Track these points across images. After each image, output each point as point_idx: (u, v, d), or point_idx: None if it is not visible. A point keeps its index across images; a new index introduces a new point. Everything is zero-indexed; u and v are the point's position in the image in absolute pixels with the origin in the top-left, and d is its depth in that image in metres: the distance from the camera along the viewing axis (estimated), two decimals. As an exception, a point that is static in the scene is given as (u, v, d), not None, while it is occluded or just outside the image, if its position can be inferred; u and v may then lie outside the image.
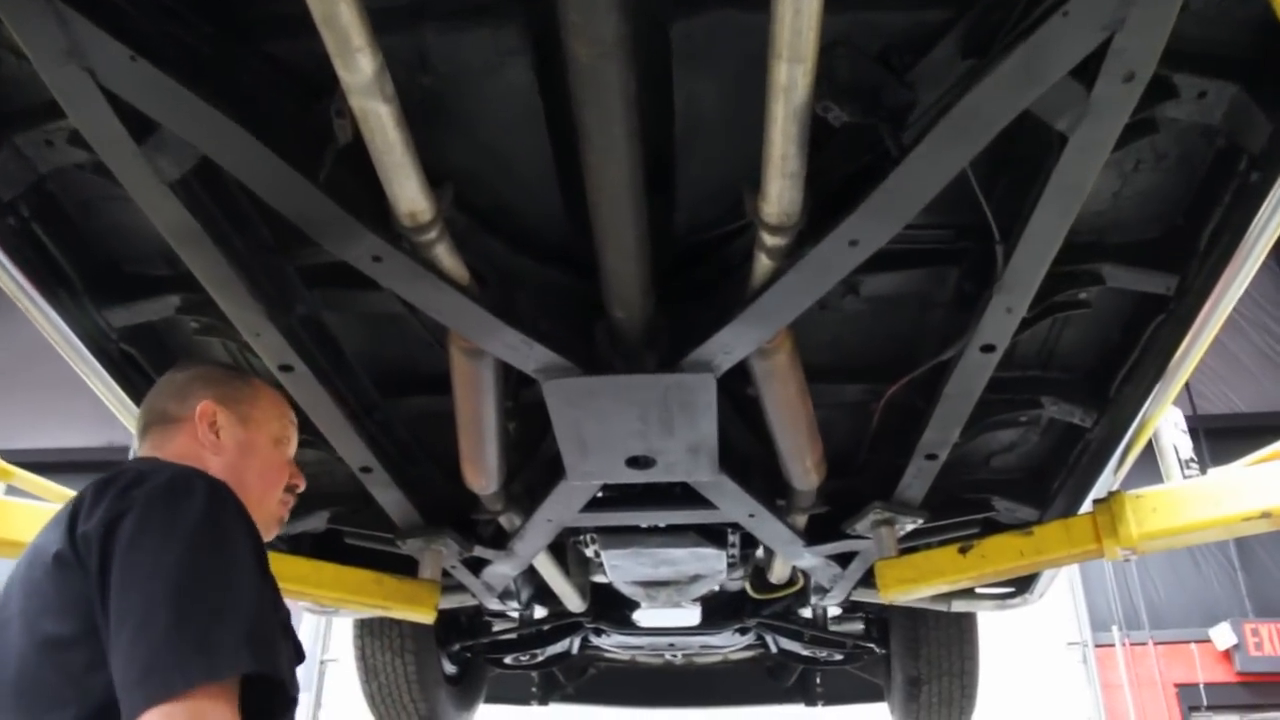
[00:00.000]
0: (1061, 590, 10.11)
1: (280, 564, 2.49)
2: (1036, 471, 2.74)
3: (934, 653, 3.77)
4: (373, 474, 2.34)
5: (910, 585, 2.40)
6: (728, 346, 1.81)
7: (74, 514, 1.26)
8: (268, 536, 1.51)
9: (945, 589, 2.44)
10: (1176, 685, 9.48)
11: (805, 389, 2.05)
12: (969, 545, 2.40)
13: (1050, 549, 2.30)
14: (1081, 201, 1.57)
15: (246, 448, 1.56)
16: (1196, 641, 9.64)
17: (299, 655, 1.41)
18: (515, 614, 3.48)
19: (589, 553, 3.14)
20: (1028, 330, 2.20)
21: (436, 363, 2.11)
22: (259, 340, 1.87)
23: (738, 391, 2.35)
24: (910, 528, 2.58)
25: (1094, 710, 9.57)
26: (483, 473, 2.30)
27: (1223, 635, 9.45)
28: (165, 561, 1.18)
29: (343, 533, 2.90)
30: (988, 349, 1.89)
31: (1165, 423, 2.41)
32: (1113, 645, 9.71)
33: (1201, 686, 9.41)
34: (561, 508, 2.48)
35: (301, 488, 1.70)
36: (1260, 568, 10.16)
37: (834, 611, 4.37)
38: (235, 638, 1.16)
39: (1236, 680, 9.41)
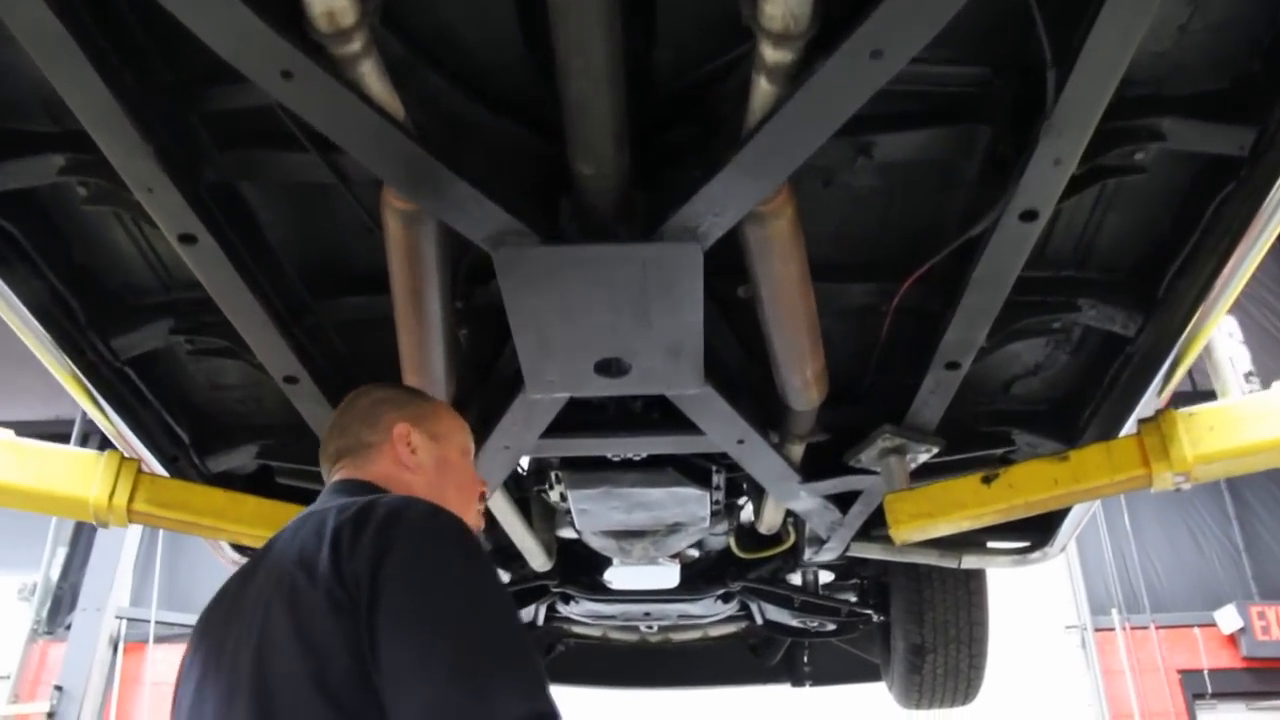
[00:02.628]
0: (1059, 571, 10.00)
1: (191, 495, 2.23)
2: (1064, 399, 2.52)
3: (940, 617, 3.57)
4: (299, 386, 2.08)
5: (926, 521, 2.17)
6: (717, 204, 1.56)
7: (335, 548, 1.29)
8: None
9: (966, 525, 2.21)
10: (1180, 671, 9.39)
11: (808, 274, 1.80)
12: (993, 474, 2.18)
13: (1090, 476, 2.08)
14: (1151, 12, 1.34)
15: (442, 464, 1.65)
16: (1200, 625, 9.55)
17: None
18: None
19: (554, 497, 2.89)
20: (1063, 222, 1.99)
21: (376, 256, 1.85)
22: (152, 199, 1.61)
23: (726, 294, 2.11)
24: (924, 458, 2.36)
25: (1094, 697, 9.47)
26: (427, 384, 2.04)
27: (1228, 618, 9.36)
28: (437, 606, 1.24)
29: (275, 472, 2.64)
30: (1029, 216, 1.65)
31: (1219, 332, 2.19)
32: (1113, 629, 9.60)
33: (1206, 673, 9.32)
34: (520, 430, 2.22)
35: (490, 495, 1.84)
36: (1265, 549, 10.10)
37: (826, 579, 4.16)
38: (509, 680, 1.20)
39: (1243, 666, 9.33)
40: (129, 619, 9.37)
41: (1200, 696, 9.30)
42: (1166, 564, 10.04)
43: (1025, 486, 2.13)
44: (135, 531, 9.33)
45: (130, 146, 1.52)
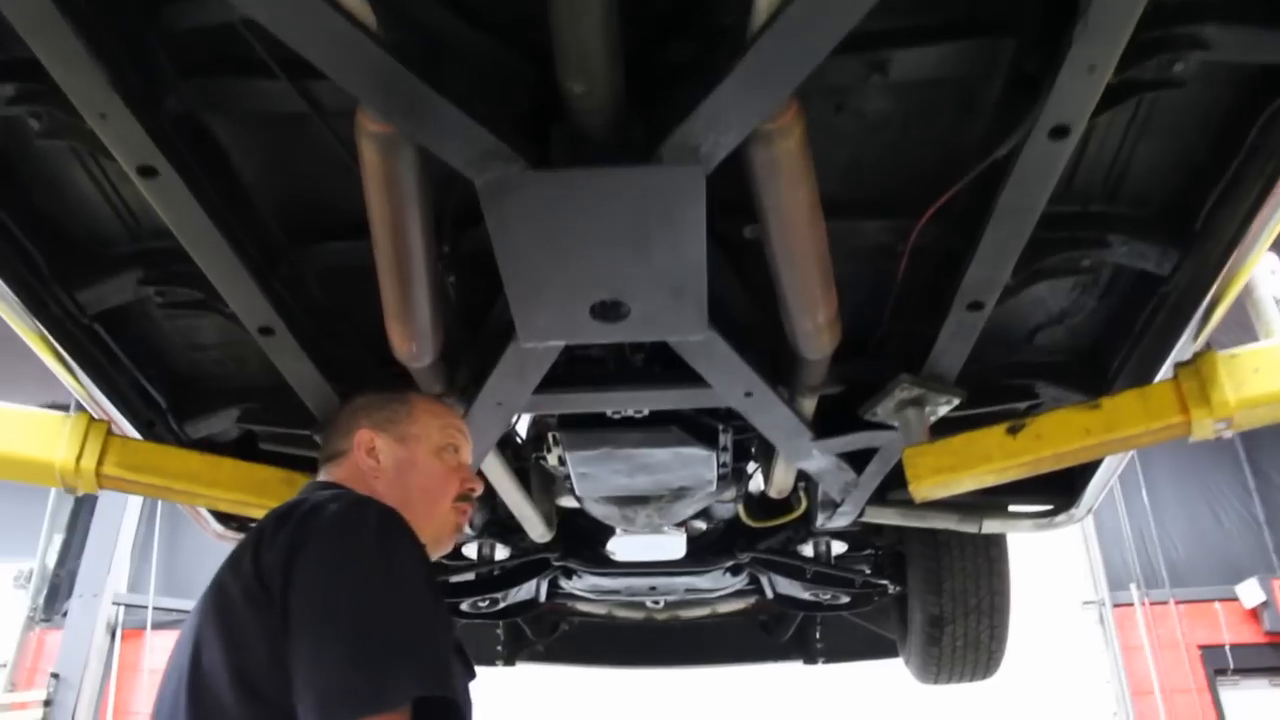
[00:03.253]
0: (1074, 545, 9.89)
1: (165, 458, 2.13)
2: (1092, 348, 2.40)
3: (959, 586, 3.46)
4: (275, 338, 1.98)
5: (948, 475, 2.06)
6: (720, 120, 1.44)
7: (257, 545, 1.40)
8: (446, 547, 1.79)
9: (991, 479, 2.09)
10: (1200, 647, 9.28)
11: (818, 203, 1.69)
12: (1020, 424, 2.06)
13: (1124, 424, 1.96)
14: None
15: (405, 465, 1.74)
16: (1221, 600, 9.43)
17: (470, 672, 1.53)
18: (466, 540, 3.12)
19: (553, 461, 2.79)
20: (1091, 151, 1.87)
21: (357, 197, 1.73)
22: (107, 126, 1.50)
23: (730, 237, 2.00)
24: (944, 410, 2.25)
25: (1113, 673, 9.37)
26: (412, 334, 1.93)
27: (1250, 592, 9.23)
28: (340, 594, 1.33)
29: (259, 438, 2.54)
30: (1059, 132, 1.53)
31: (1261, 269, 2.07)
32: (1131, 605, 9.49)
33: (1228, 648, 9.20)
34: (513, 384, 2.12)
35: (478, 491, 1.86)
36: (1287, 521, 9.98)
37: (839, 550, 4.05)
38: (407, 666, 1.29)
39: (1266, 641, 9.20)
40: (126, 605, 9.30)
41: (1222, 672, 9.19)
42: (1185, 538, 9.92)
43: (1054, 437, 2.02)
44: (132, 516, 9.27)
45: (79, 64, 1.41)
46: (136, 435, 2.19)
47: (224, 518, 2.71)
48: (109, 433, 2.10)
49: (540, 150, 1.54)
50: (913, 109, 1.78)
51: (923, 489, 2.10)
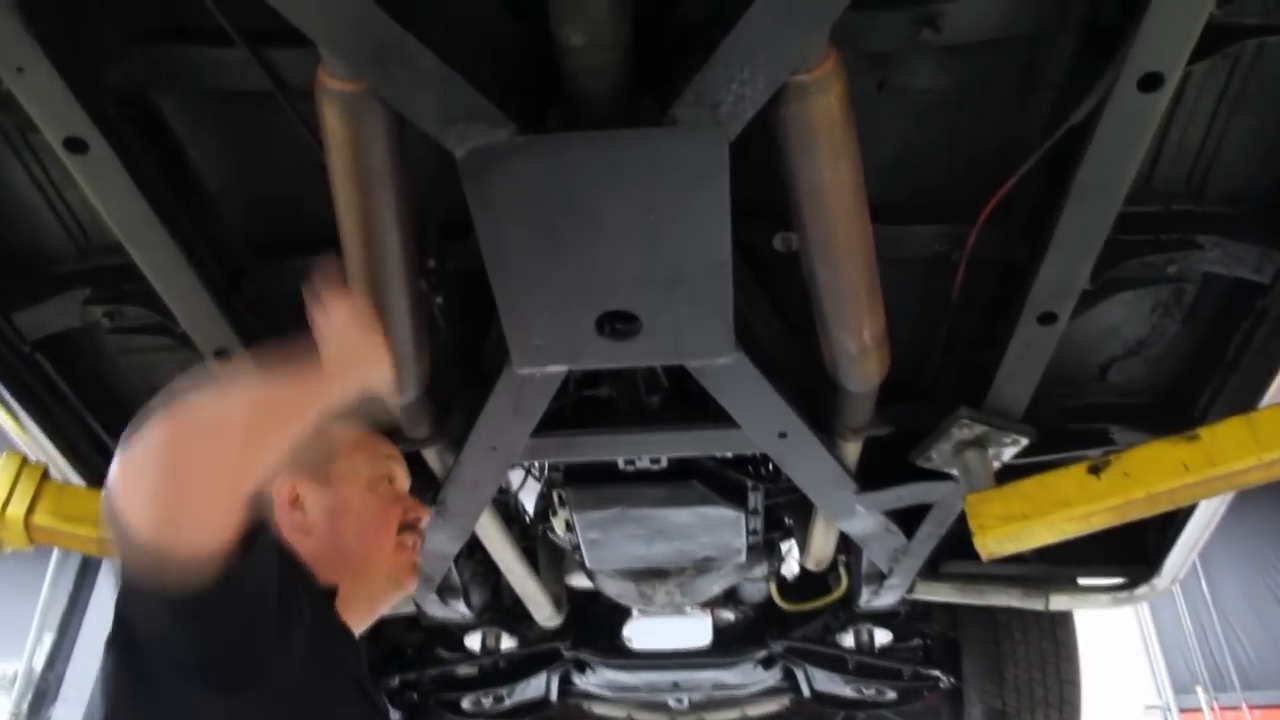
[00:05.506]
0: (1134, 644, 9.32)
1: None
2: (1175, 384, 2.13)
3: (1023, 676, 3.10)
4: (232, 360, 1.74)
5: (1020, 524, 1.77)
6: (744, 65, 1.22)
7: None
8: (407, 587, 1.54)
9: (1073, 528, 1.79)
10: (1278, 757, 8.63)
11: (862, 185, 1.45)
12: (1103, 462, 1.78)
13: (1229, 457, 1.68)
14: None
15: (336, 512, 1.50)
16: (1297, 705, 8.80)
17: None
18: (462, 616, 2.82)
19: (559, 526, 2.51)
20: (1173, 139, 1.64)
21: (328, 202, 1.52)
22: (23, 82, 1.30)
23: (758, 248, 1.77)
24: (1011, 452, 1.97)
25: (1183, 787, 8.72)
26: (392, 360, 1.69)
27: (1327, 697, 8.63)
28: None
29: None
30: (1151, 82, 1.29)
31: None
32: (1199, 710, 8.87)
33: (1308, 758, 8.56)
34: (508, 422, 1.86)
35: (424, 521, 1.61)
36: (1362, 619, 9.38)
37: (882, 639, 3.69)
38: None
39: (1349, 750, 8.57)
40: (119, 714, 8.87)
41: (1304, 786, 8.51)
42: (1253, 635, 9.32)
43: (1145, 475, 1.73)
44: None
45: None
46: (77, 479, 1.94)
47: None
48: (44, 477, 1.84)
49: (534, 116, 1.32)
50: (968, 82, 1.56)
51: (990, 541, 1.80)
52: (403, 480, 1.63)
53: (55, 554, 6.75)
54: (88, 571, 7.44)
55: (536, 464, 2.63)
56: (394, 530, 1.54)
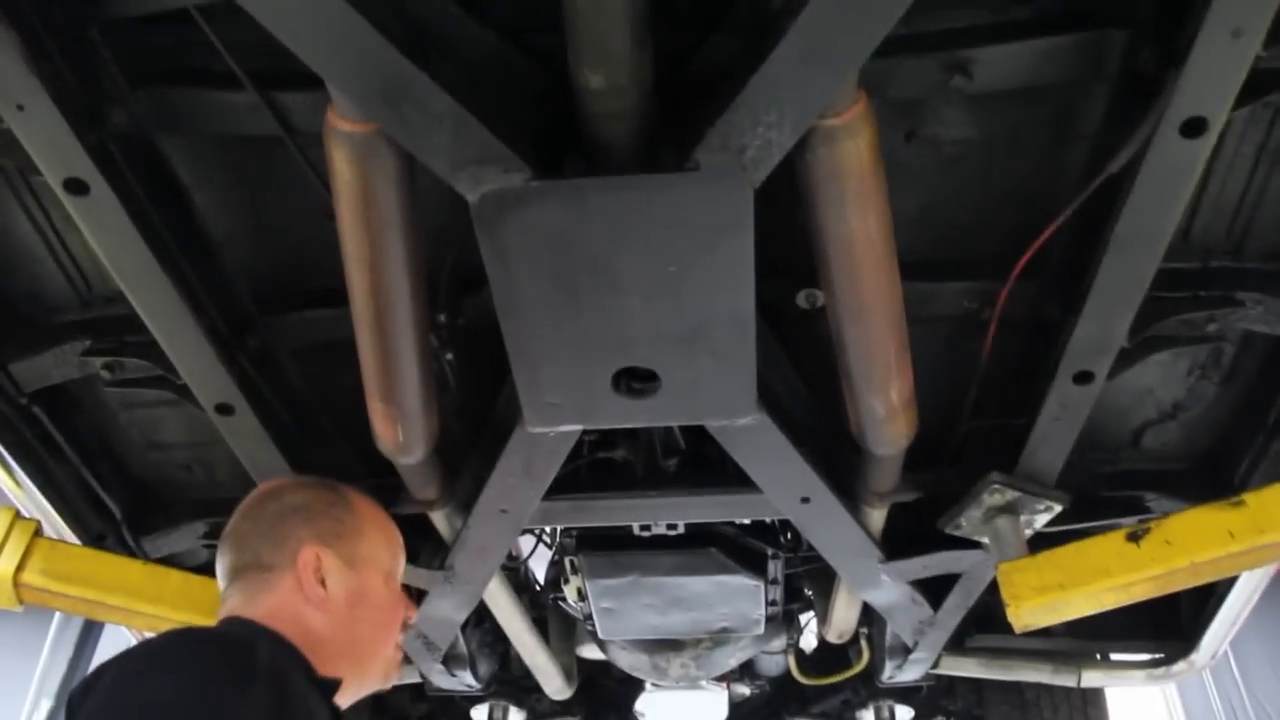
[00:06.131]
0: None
1: (100, 566, 1.80)
2: (1213, 449, 2.05)
3: (1053, 756, 2.96)
4: (234, 418, 1.68)
5: (1056, 595, 1.68)
6: (770, 108, 1.17)
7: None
8: (380, 686, 1.50)
9: (1111, 599, 1.70)
10: None
11: (892, 235, 1.39)
12: (1143, 528, 1.69)
13: (1277, 525, 1.59)
14: None
15: (358, 598, 1.43)
16: (1333, 790, 8.45)
17: None
18: (469, 687, 2.71)
19: (570, 595, 2.42)
20: (1211, 192, 1.59)
21: (338, 254, 1.47)
22: (23, 120, 1.27)
23: (778, 307, 1.72)
24: (1043, 519, 1.88)
25: None
26: (396, 414, 1.62)
27: (1366, 785, 8.28)
28: None
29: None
30: (1194, 128, 1.24)
31: None
32: (1231, 794, 8.54)
33: None
34: (520, 484, 1.79)
35: (414, 620, 1.59)
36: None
37: (904, 716, 3.55)
38: None
39: (1389, 841, 8.19)
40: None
41: None
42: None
43: (1189, 543, 1.64)
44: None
45: None
46: (74, 539, 1.87)
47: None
48: (36, 533, 1.77)
49: (550, 161, 1.27)
50: (999, 133, 1.52)
51: (1024, 612, 1.71)
52: (400, 574, 1.60)
53: (56, 617, 6.62)
54: (89, 637, 7.29)
55: (548, 530, 2.57)
56: (399, 628, 1.51)
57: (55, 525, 1.87)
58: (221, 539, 1.47)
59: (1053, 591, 1.70)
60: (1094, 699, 2.99)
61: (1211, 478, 2.04)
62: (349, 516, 1.50)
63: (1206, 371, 1.91)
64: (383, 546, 1.53)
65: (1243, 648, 8.97)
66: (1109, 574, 1.68)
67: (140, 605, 1.75)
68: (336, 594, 1.41)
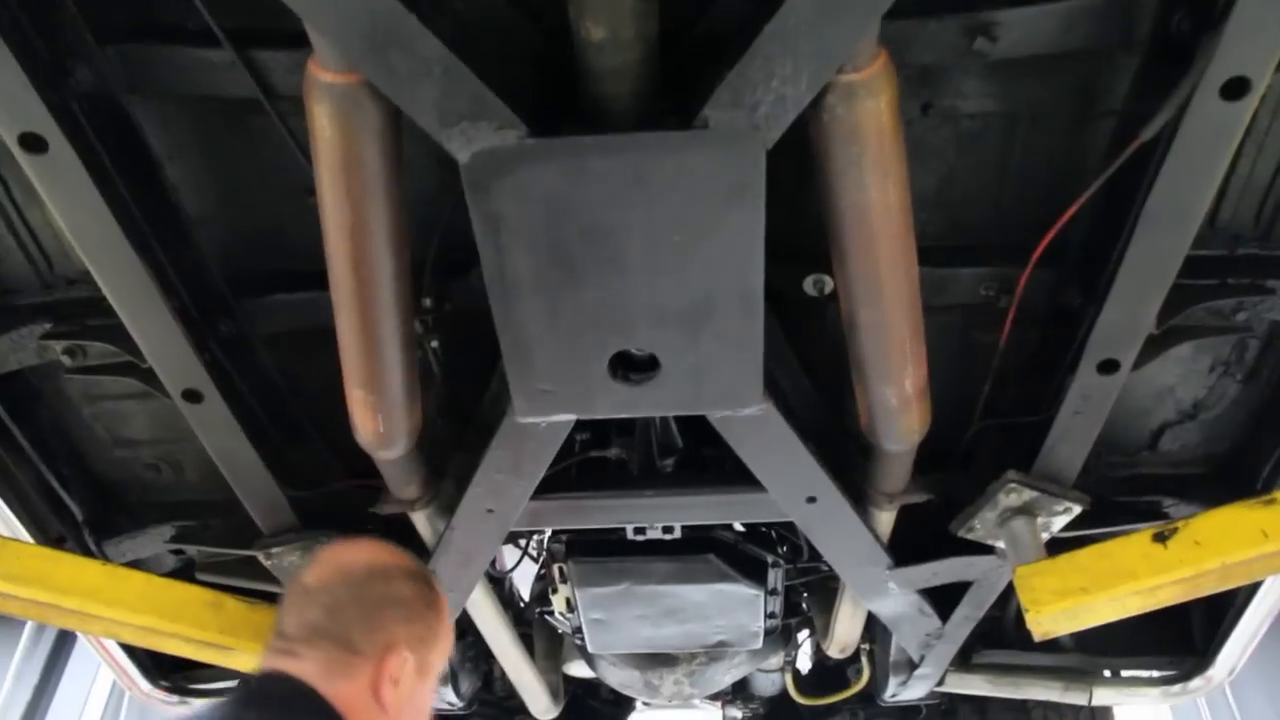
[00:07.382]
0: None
1: (56, 566, 1.67)
2: (1233, 451, 1.97)
3: (1061, 780, 2.85)
4: (203, 406, 1.57)
5: (1079, 599, 1.58)
6: (784, 65, 1.09)
7: None
8: None
9: (1137, 604, 1.61)
10: None
11: (909, 208, 1.31)
12: (1170, 529, 1.60)
13: (1313, 522, 1.51)
14: None
15: (415, 703, 1.46)
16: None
17: None
18: (450, 705, 2.59)
19: (559, 605, 2.31)
20: (1239, 177, 1.52)
21: (317, 232, 1.38)
22: None
23: (784, 294, 1.63)
24: (1061, 522, 1.79)
25: None
26: (377, 404, 1.52)
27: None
28: None
29: (196, 565, 2.09)
30: (1236, 89, 1.16)
31: None
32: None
33: None
34: (507, 480, 1.68)
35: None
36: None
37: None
38: None
39: None
40: (85, 817, 8.41)
41: None
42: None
43: (1219, 543, 1.55)
44: (96, 706, 8.52)
45: None
46: (26, 537, 1.76)
47: (153, 671, 2.21)
48: (-15, 533, 1.66)
49: (547, 118, 1.18)
50: (1019, 106, 1.44)
51: (1044, 618, 1.61)
52: None
53: (27, 629, 6.41)
54: (61, 651, 7.07)
55: (534, 543, 2.47)
56: None
57: (11, 527, 1.76)
58: (307, 585, 1.44)
59: (1075, 595, 1.60)
60: (1102, 715, 2.89)
61: (1231, 482, 1.97)
62: (436, 622, 1.52)
63: (1230, 368, 1.84)
64: (445, 653, 1.55)
65: (1240, 681, 8.89)
66: (1135, 576, 1.58)
67: (98, 609, 1.63)
68: (402, 698, 1.42)
